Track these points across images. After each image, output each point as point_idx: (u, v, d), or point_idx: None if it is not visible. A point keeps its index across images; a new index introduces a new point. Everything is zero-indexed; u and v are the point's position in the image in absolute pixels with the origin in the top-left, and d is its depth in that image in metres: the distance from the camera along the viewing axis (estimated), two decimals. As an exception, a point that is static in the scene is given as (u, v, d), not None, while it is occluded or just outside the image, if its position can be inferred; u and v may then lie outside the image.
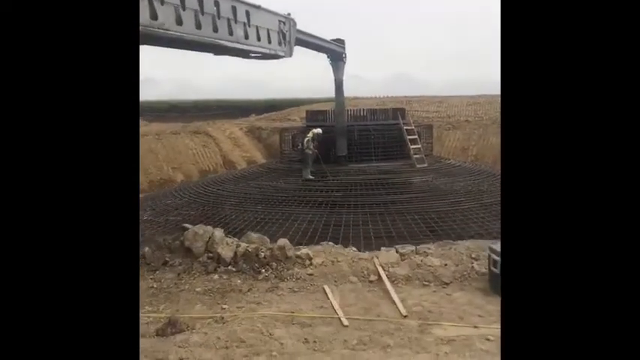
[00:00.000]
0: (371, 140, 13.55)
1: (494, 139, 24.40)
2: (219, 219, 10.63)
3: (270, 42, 7.84)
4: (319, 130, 12.73)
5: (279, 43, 8.20)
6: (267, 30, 7.95)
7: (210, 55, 7.76)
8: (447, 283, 6.10)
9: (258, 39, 7.54)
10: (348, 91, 14.78)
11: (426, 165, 13.50)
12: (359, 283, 6.13)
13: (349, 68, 13.20)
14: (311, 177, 12.57)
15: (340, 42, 12.69)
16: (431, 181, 12.51)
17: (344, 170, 13.06)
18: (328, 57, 12.73)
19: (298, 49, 10.39)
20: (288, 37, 8.58)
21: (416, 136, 13.86)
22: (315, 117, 15.15)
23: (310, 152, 12.49)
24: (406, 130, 13.76)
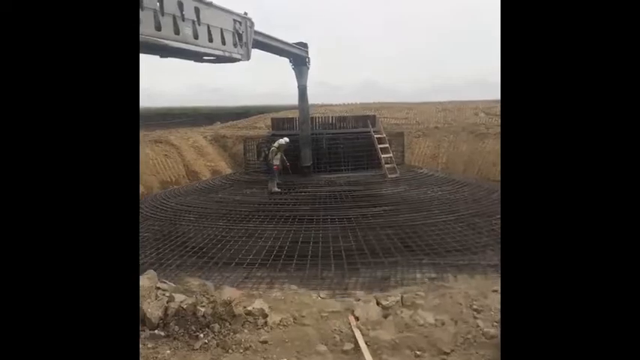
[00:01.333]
0: (340, 149, 12.83)
1: (465, 146, 24.12)
2: (176, 237, 9.84)
3: (224, 43, 6.97)
4: (286, 140, 11.93)
5: (235, 45, 7.35)
6: (221, 30, 7.08)
7: (176, 61, 6.92)
8: (446, 353, 4.47)
9: (210, 40, 6.66)
10: (316, 98, 14.12)
11: (397, 175, 12.84)
12: (329, 355, 4.40)
13: (317, 75, 12.48)
14: (277, 189, 11.75)
15: (303, 45, 11.90)
16: (404, 193, 11.84)
17: (312, 182, 12.27)
18: (290, 62, 11.94)
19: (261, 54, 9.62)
20: (245, 39, 7.73)
21: (387, 145, 13.20)
22: (281, 125, 14.31)
23: (277, 163, 11.65)
24: (377, 138, 13.08)
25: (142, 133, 26.76)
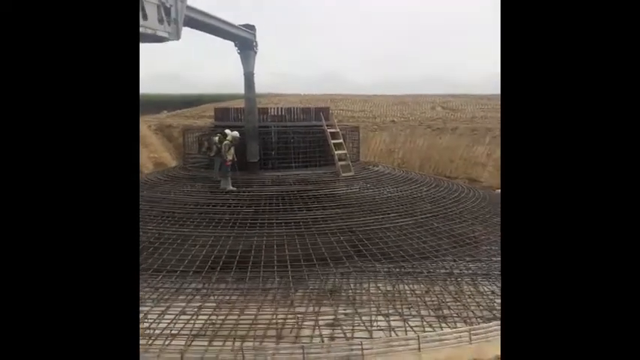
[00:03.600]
0: (289, 144, 11.70)
1: (421, 141, 23.53)
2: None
3: (145, 18, 5.68)
4: (236, 133, 10.70)
5: (160, 21, 6.06)
6: (141, 1, 5.78)
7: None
8: None
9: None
10: (273, 88, 12.99)
11: (352, 173, 11.84)
12: None
13: (278, 66, 11.30)
14: (233, 188, 10.60)
15: (250, 28, 10.64)
16: (358, 193, 10.87)
17: (257, 180, 11.11)
18: (236, 45, 10.65)
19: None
20: (175, 14, 6.45)
21: (341, 140, 12.16)
22: (224, 116, 13.01)
23: (230, 158, 10.47)
24: (330, 133, 12.01)
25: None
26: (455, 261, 8.27)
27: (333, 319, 6.39)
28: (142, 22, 5.49)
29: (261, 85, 11.58)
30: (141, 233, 8.90)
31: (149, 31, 5.77)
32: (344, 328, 6.18)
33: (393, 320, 6.32)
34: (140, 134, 24.28)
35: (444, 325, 6.21)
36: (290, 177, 11.35)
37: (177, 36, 6.60)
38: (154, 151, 23.60)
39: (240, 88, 11.45)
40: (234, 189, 10.54)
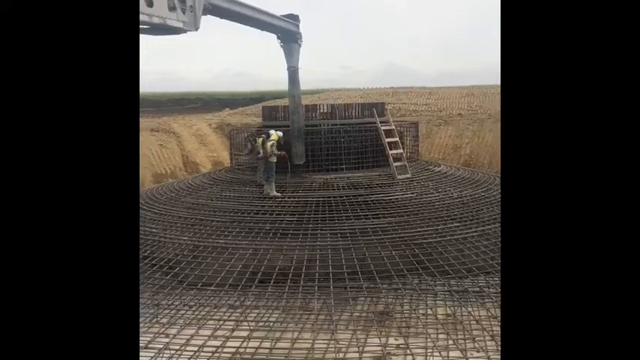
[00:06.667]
0: (340, 144, 10.68)
1: (490, 136, 21.68)
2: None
3: (150, 5, 4.86)
4: (280, 134, 9.90)
5: (172, 9, 5.24)
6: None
7: (196, 44, 5.06)
8: None
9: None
10: (334, 83, 12.10)
11: (409, 175, 10.65)
12: None
13: (340, 59, 10.41)
14: (277, 193, 9.80)
15: (293, 18, 9.70)
16: (415, 198, 9.67)
17: (303, 184, 10.20)
18: (278, 38, 9.75)
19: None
20: (191, 1, 5.61)
21: (397, 139, 10.98)
22: (273, 114, 12.22)
23: (274, 161, 9.68)
24: (384, 130, 10.86)
25: (142, 120, 25.25)
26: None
27: (381, 351, 5.54)
28: (146, 9, 4.68)
29: (322, 81, 10.77)
30: (175, 245, 8.42)
31: (156, 20, 4.96)
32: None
33: (453, 357, 5.37)
34: (200, 133, 24.38)
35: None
36: (339, 180, 10.37)
37: (194, 26, 5.75)
38: (213, 150, 23.47)
39: (302, 85, 10.56)
40: (278, 194, 9.72)
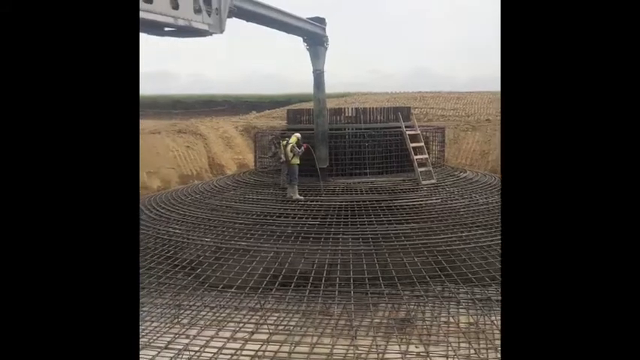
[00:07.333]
0: (364, 148, 10.62)
1: (520, 142, 21.24)
2: (161, 248, 8.55)
3: (176, 7, 4.92)
4: (299, 135, 9.91)
5: (197, 11, 5.30)
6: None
7: (225, 46, 5.16)
8: None
9: (149, 1, 4.61)
10: (362, 87, 12.08)
11: (434, 181, 10.51)
12: None
13: (368, 63, 10.38)
14: (299, 197, 9.81)
15: (320, 21, 9.70)
16: (439, 204, 9.54)
17: (326, 188, 10.17)
18: (304, 40, 9.76)
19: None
20: (217, 4, 5.65)
21: (422, 144, 10.86)
22: (298, 117, 12.24)
23: (297, 163, 9.70)
24: (409, 135, 10.75)
25: (169, 122, 25.63)
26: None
27: (401, 358, 5.50)
28: (172, 12, 4.74)
29: (349, 84, 10.75)
30: (197, 247, 8.52)
31: (181, 22, 5.01)
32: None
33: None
34: (227, 135, 24.59)
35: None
36: (363, 185, 10.31)
37: (220, 29, 5.78)
38: (239, 153, 23.63)
39: (329, 88, 10.56)
40: (301, 198, 9.71)
